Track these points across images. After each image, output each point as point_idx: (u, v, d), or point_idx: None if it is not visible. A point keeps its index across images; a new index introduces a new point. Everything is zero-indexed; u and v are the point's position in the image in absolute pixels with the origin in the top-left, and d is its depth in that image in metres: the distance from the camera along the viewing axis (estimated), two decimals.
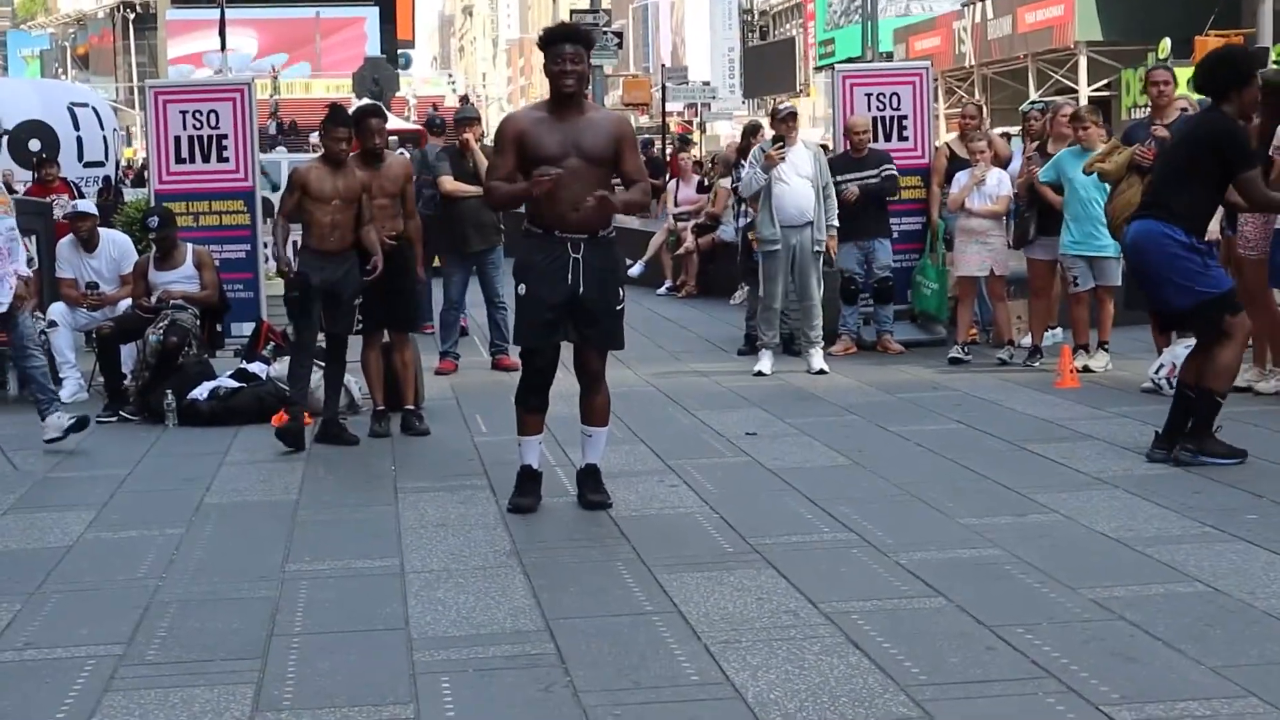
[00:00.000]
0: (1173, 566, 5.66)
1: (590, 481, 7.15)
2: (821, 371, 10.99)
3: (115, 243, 11.26)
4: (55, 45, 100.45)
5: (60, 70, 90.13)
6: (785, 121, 11.24)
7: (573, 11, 43.80)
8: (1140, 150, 9.38)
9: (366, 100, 25.62)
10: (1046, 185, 10.76)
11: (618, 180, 7.17)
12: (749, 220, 12.49)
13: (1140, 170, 9.20)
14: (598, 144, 6.79)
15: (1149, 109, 10.82)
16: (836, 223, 11.21)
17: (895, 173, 12.05)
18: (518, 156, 6.75)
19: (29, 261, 9.66)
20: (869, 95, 13.05)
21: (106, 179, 17.08)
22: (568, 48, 6.89)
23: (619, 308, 7.03)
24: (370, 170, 9.25)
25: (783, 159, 10.96)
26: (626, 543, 6.34)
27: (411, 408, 9.58)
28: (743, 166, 12.25)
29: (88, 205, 11.75)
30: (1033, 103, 31.91)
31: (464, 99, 39.92)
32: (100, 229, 11.28)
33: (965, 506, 6.83)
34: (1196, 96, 9.75)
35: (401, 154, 15.01)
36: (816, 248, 11.08)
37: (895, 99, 12.92)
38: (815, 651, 4.82)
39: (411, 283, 9.62)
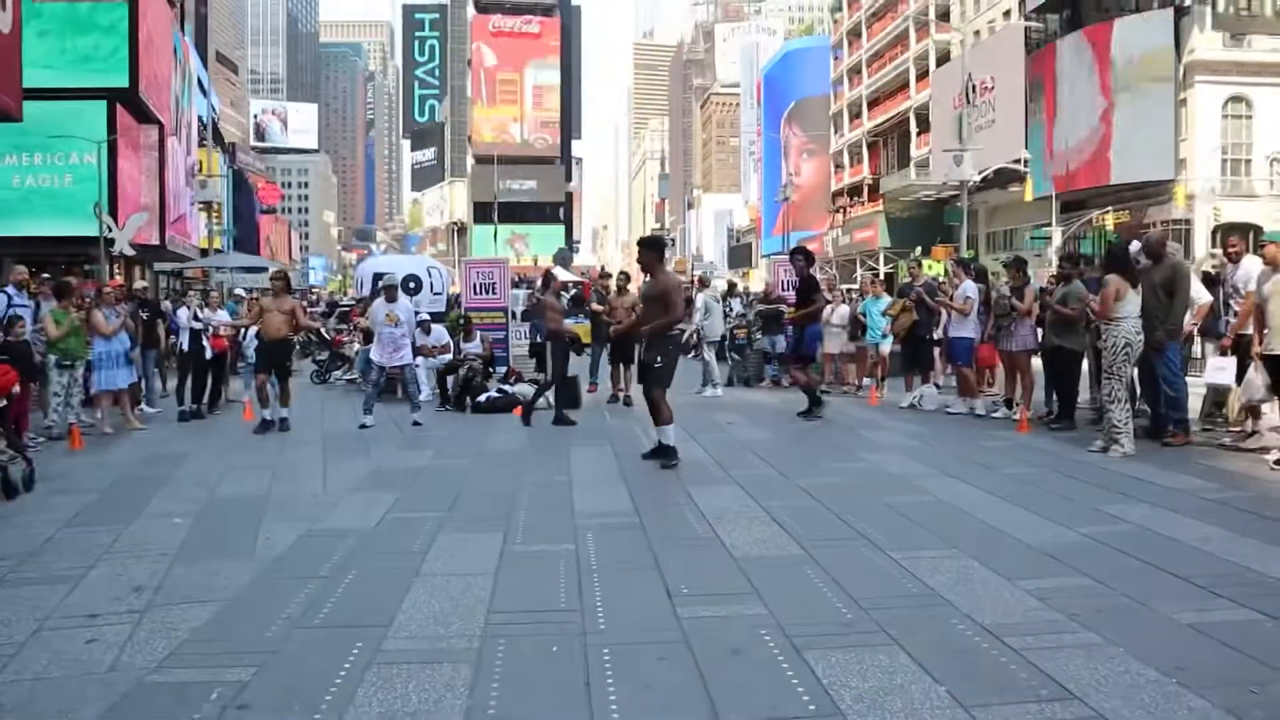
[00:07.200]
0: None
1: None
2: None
3: (404, 308, 14.31)
4: (421, 240, 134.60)
5: (424, 250, 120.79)
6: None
7: (652, 229, 56.72)
8: (908, 302, 14.79)
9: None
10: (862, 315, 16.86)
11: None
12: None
13: (906, 310, 14.73)
14: None
15: (915, 279, 17.00)
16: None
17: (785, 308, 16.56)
18: None
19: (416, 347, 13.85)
20: (785, 270, 18.88)
21: (447, 299, 21.89)
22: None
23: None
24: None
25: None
26: None
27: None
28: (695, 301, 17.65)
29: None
30: (873, 271, 45.60)
31: (603, 269, 50.59)
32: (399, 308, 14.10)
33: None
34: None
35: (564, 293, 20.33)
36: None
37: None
38: None
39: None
